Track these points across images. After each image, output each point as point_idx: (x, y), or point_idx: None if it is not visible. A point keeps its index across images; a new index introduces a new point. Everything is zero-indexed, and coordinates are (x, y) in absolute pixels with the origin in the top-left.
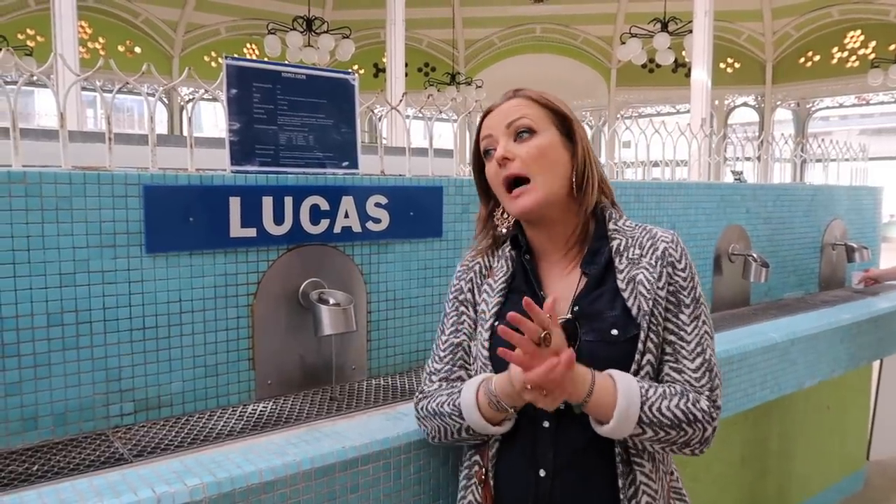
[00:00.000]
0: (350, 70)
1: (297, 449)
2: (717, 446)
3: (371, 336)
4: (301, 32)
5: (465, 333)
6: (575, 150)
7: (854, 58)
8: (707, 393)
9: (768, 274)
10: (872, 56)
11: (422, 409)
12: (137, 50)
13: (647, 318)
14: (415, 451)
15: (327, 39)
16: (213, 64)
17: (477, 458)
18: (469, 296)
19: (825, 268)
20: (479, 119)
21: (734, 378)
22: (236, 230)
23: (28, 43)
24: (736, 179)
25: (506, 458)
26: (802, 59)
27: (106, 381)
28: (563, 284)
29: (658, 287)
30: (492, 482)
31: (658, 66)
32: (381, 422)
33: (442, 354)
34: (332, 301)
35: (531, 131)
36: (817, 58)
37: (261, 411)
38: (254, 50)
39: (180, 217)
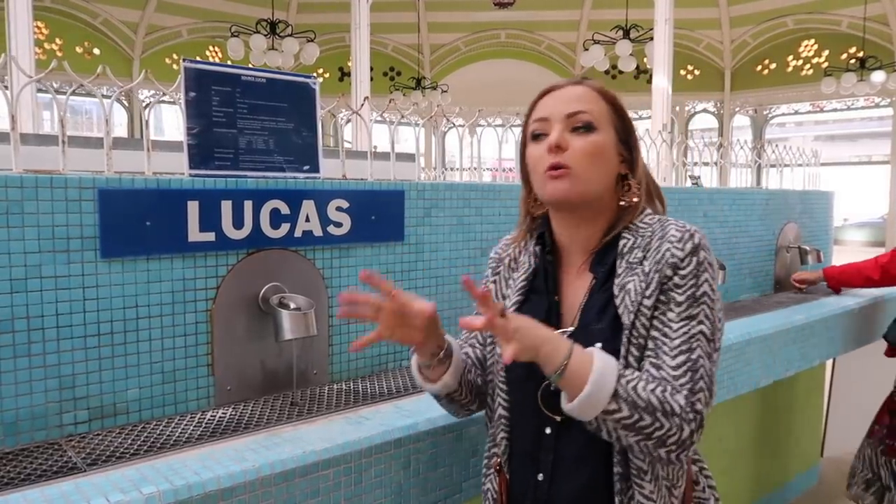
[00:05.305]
0: (311, 74)
1: (257, 455)
2: None
3: (332, 340)
4: (265, 35)
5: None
6: (632, 157)
7: (808, 66)
8: (685, 392)
9: (725, 276)
10: (826, 65)
11: None
12: (96, 51)
13: (627, 331)
14: (376, 455)
15: (291, 43)
16: (175, 66)
17: (496, 449)
18: (493, 287)
19: (780, 270)
20: (535, 98)
21: None
22: (195, 234)
23: None
24: (693, 184)
25: (514, 454)
26: (759, 67)
27: (59, 388)
28: (575, 286)
29: (645, 296)
30: (507, 474)
31: (620, 72)
32: (343, 426)
33: (464, 334)
34: (292, 305)
35: (590, 128)
36: (773, 66)
37: (220, 417)
38: (216, 52)
39: (137, 221)
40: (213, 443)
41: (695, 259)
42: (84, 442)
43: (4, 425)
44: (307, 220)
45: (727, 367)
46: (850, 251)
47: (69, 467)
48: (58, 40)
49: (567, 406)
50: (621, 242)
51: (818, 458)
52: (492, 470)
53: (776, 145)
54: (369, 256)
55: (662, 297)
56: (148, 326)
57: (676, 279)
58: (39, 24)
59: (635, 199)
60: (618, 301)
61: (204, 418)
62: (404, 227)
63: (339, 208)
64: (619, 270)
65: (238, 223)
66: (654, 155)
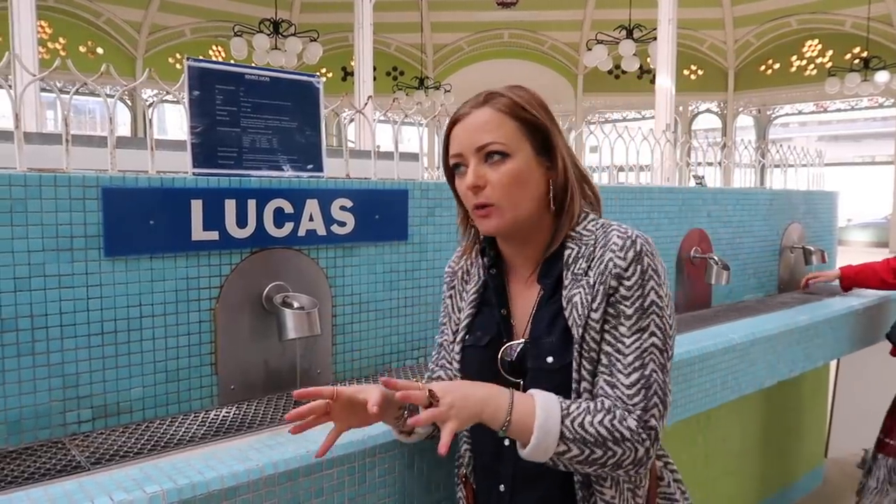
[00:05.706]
0: (315, 73)
1: (260, 454)
2: (681, 446)
3: (336, 340)
4: (268, 35)
5: (447, 335)
6: (553, 163)
7: (812, 66)
8: (638, 412)
9: (729, 276)
10: (829, 64)
11: None
12: (100, 51)
13: (578, 345)
14: (380, 455)
15: (294, 42)
16: (178, 66)
17: (462, 461)
18: (449, 301)
19: (783, 270)
20: (446, 126)
21: (696, 379)
22: (198, 233)
23: None
24: (697, 184)
25: (477, 466)
26: (763, 67)
27: (63, 387)
28: (525, 298)
29: (592, 308)
30: (473, 485)
31: (624, 72)
32: None
33: (434, 355)
34: (296, 305)
35: (503, 154)
36: (777, 66)
37: (223, 417)
38: (220, 52)
39: (140, 220)
40: (216, 442)
41: (639, 267)
42: (88, 441)
43: (8, 424)
44: (311, 219)
45: (732, 367)
46: (853, 251)
47: (73, 466)
48: (61, 39)
49: (521, 453)
50: (566, 252)
51: (822, 458)
52: (460, 481)
53: (780, 145)
54: (373, 255)
55: (611, 311)
56: (151, 325)
57: (623, 290)
58: (43, 23)
59: (572, 211)
60: (567, 314)
61: (207, 417)
62: (408, 227)
63: (342, 207)
64: (566, 282)
65: (242, 222)
66: (657, 155)
